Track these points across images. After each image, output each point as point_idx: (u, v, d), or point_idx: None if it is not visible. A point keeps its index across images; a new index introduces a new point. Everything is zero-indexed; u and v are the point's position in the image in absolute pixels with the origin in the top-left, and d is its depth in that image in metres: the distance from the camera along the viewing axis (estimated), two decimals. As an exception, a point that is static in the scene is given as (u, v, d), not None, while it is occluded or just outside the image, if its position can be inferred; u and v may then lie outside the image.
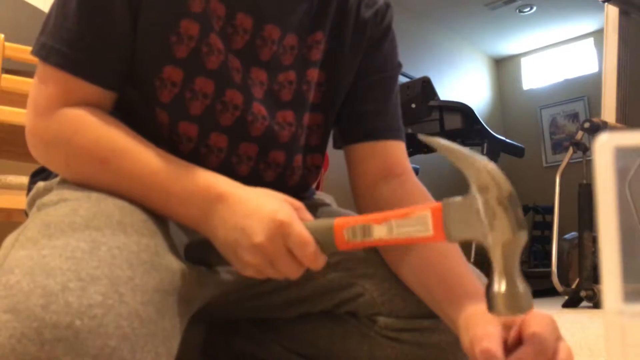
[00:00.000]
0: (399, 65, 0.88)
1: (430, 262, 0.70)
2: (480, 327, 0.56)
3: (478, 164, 0.49)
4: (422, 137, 0.54)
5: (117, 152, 0.64)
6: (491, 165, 0.49)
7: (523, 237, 0.48)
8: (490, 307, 0.49)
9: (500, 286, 0.48)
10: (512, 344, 0.54)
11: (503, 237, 0.48)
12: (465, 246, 3.48)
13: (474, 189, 0.49)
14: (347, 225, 0.57)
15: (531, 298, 0.49)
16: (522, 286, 0.48)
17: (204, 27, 0.70)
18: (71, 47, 0.66)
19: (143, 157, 0.64)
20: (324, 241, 0.58)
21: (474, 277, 0.67)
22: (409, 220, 0.53)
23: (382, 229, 0.55)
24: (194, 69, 0.70)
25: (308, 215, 0.61)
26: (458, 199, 0.51)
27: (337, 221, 0.57)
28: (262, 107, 0.75)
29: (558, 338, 0.54)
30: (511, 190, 0.49)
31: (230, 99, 0.72)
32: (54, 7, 0.68)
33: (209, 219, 0.61)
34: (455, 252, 0.71)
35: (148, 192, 0.63)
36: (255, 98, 0.75)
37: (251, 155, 0.76)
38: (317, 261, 0.58)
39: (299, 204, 0.62)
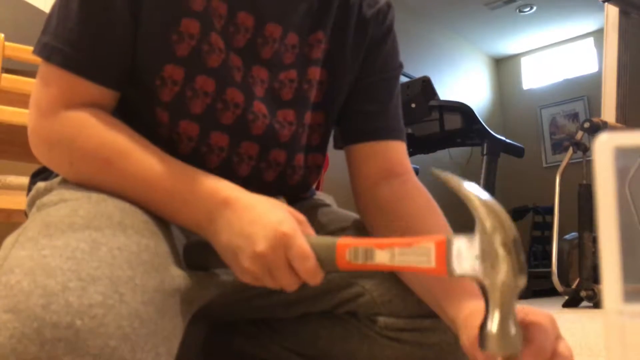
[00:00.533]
0: (400, 66, 0.88)
1: None
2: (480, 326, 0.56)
3: (485, 206, 0.50)
4: (435, 172, 0.54)
5: (121, 154, 0.64)
6: (498, 207, 0.50)
7: (522, 282, 0.49)
8: (482, 345, 0.50)
9: (493, 326, 0.49)
10: None
11: (503, 280, 0.49)
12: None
13: (479, 229, 0.50)
14: (349, 246, 0.57)
15: (521, 338, 0.50)
16: (514, 329, 0.49)
17: (205, 25, 0.70)
18: (73, 47, 0.66)
19: (147, 159, 0.64)
20: (325, 258, 0.58)
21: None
22: (412, 249, 0.54)
23: (384, 255, 0.55)
24: (195, 68, 0.70)
25: (310, 230, 0.61)
26: (462, 236, 0.52)
27: (340, 240, 0.58)
28: (263, 105, 0.75)
29: (558, 337, 0.54)
30: (516, 234, 0.50)
31: (231, 98, 0.72)
32: (55, 7, 0.68)
33: (213, 223, 0.61)
34: None
35: (152, 193, 0.63)
36: (256, 97, 0.75)
37: (252, 154, 0.76)
38: (315, 277, 0.58)
39: (302, 217, 0.62)
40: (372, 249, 0.56)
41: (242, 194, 0.63)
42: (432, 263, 0.53)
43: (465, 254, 0.51)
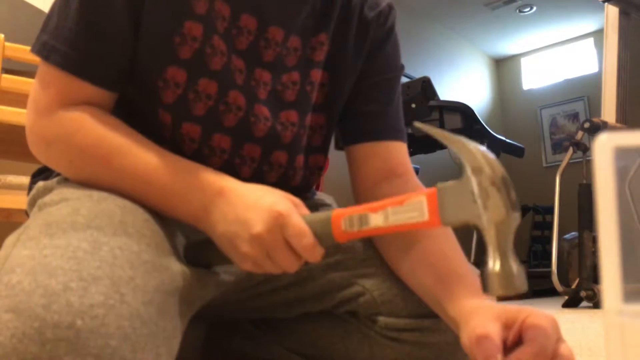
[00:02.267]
0: (402, 67, 0.88)
1: (429, 261, 0.70)
2: (480, 326, 0.56)
3: (471, 147, 0.51)
4: (418, 125, 0.55)
5: (119, 150, 0.64)
6: (483, 149, 0.50)
7: (516, 218, 0.49)
8: (485, 286, 0.50)
9: (494, 266, 0.49)
10: (512, 344, 0.54)
11: (496, 217, 0.49)
12: (466, 245, 3.47)
13: (467, 171, 0.50)
14: (344, 215, 0.57)
15: (525, 278, 0.49)
16: (515, 266, 0.49)
17: (208, 28, 0.70)
18: (72, 47, 0.66)
19: (144, 154, 0.64)
20: (322, 233, 0.58)
21: (473, 275, 0.67)
22: (404, 207, 0.54)
23: (378, 217, 0.55)
24: (198, 70, 0.70)
25: (306, 211, 0.62)
26: (452, 182, 0.52)
27: (334, 212, 0.58)
28: (265, 108, 0.75)
29: (559, 339, 0.54)
30: (504, 172, 0.50)
31: (233, 100, 0.73)
32: (55, 6, 0.68)
33: (209, 214, 0.62)
34: (454, 250, 0.72)
35: (149, 188, 0.64)
36: (258, 99, 0.75)
37: (254, 156, 0.76)
38: (315, 253, 0.59)
39: (297, 200, 0.62)
40: (366, 214, 0.56)
41: (236, 184, 0.63)
42: (425, 216, 0.53)
43: (457, 200, 0.51)
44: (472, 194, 0.50)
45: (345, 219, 0.57)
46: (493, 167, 0.50)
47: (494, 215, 0.49)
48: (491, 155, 0.50)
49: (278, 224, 0.58)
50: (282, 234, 0.58)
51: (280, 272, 0.61)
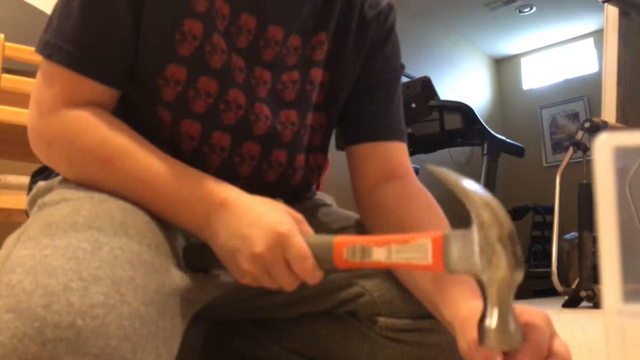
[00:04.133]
0: (402, 67, 0.88)
1: None
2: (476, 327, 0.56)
3: (481, 201, 0.50)
4: (430, 168, 0.54)
5: (121, 153, 0.64)
6: (494, 202, 0.50)
7: (519, 276, 0.49)
8: (481, 340, 0.50)
9: (492, 322, 0.49)
10: None
11: (500, 275, 0.49)
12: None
13: (475, 224, 0.50)
14: (347, 244, 0.57)
15: (521, 335, 0.50)
16: (513, 324, 0.49)
17: (208, 26, 0.70)
18: (75, 45, 0.66)
19: (147, 159, 0.64)
20: (323, 257, 0.58)
21: (471, 279, 0.67)
22: (409, 247, 0.54)
23: (381, 252, 0.55)
24: (198, 68, 0.70)
25: (308, 228, 0.62)
26: (459, 232, 0.52)
27: (337, 239, 0.58)
28: (265, 106, 0.75)
29: (553, 335, 0.54)
30: (512, 228, 0.50)
31: (233, 99, 0.73)
32: (57, 6, 0.68)
33: (211, 224, 0.62)
34: None
35: (151, 194, 0.63)
36: (259, 98, 0.75)
37: (254, 154, 0.76)
38: (314, 276, 0.59)
39: (299, 216, 0.62)
40: (370, 247, 0.56)
41: (240, 196, 0.63)
42: (428, 260, 0.53)
43: (462, 249, 0.51)
44: (478, 248, 0.50)
45: (348, 248, 0.57)
46: (501, 224, 0.49)
47: (497, 273, 0.49)
48: (502, 210, 0.50)
49: (279, 244, 0.57)
50: (283, 255, 0.58)
51: (278, 289, 0.61)
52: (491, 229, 0.49)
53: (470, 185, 0.51)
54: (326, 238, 0.59)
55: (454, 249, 0.52)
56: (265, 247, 0.57)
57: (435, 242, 0.53)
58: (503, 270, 0.49)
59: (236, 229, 0.60)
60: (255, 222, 0.59)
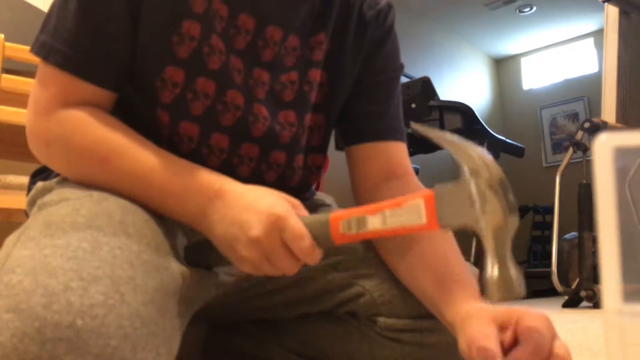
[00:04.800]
0: (401, 67, 0.88)
1: (427, 264, 0.70)
2: (477, 328, 0.56)
3: (469, 150, 0.50)
4: (415, 126, 0.54)
5: (118, 151, 0.64)
6: (482, 151, 0.50)
7: (514, 221, 0.49)
8: (483, 292, 0.49)
9: (492, 271, 0.49)
10: (508, 345, 0.54)
11: (494, 221, 0.48)
12: (465, 245, 3.48)
13: (465, 174, 0.50)
14: (342, 218, 0.57)
15: (523, 282, 0.49)
16: (514, 271, 0.49)
17: (206, 27, 0.70)
18: (71, 48, 0.66)
19: (143, 155, 0.64)
20: (320, 235, 0.58)
21: (471, 278, 0.67)
22: (402, 210, 0.54)
23: (376, 220, 0.55)
24: (196, 70, 0.70)
25: (305, 212, 0.62)
26: (450, 185, 0.52)
27: (332, 215, 0.58)
28: (264, 107, 0.75)
29: (554, 336, 0.54)
30: (502, 174, 0.49)
31: (231, 100, 0.73)
32: (54, 7, 0.68)
33: (207, 215, 0.62)
34: (453, 252, 0.71)
35: (147, 190, 0.64)
36: (257, 99, 0.75)
37: (252, 155, 0.76)
38: (313, 255, 0.59)
39: (296, 201, 0.62)
40: (364, 217, 0.56)
41: (234, 185, 0.63)
42: (423, 219, 0.53)
43: (454, 203, 0.51)
44: (469, 197, 0.49)
45: (343, 222, 0.57)
46: (491, 170, 0.49)
47: (491, 219, 0.48)
48: (489, 157, 0.50)
49: (276, 226, 0.58)
50: (280, 237, 0.58)
51: (279, 275, 0.61)
52: (481, 175, 0.49)
53: (457, 138, 0.51)
54: (322, 216, 0.59)
55: (447, 204, 0.51)
56: (261, 230, 0.57)
57: (427, 201, 0.53)
58: (497, 216, 0.48)
59: (232, 217, 0.60)
60: (250, 207, 0.59)
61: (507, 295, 0.49)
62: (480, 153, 0.50)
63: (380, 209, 0.55)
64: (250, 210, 0.59)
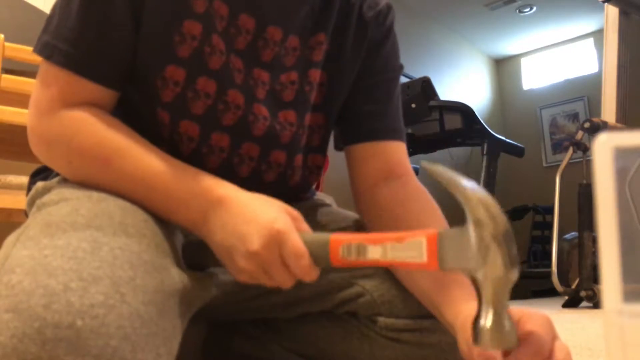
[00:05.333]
0: (401, 67, 0.88)
1: None
2: None
3: (475, 198, 0.50)
4: (426, 165, 0.54)
5: (119, 152, 0.64)
6: (489, 200, 0.50)
7: (514, 274, 0.49)
8: (476, 339, 0.50)
9: (486, 321, 0.49)
10: None
11: (495, 273, 0.48)
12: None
13: (470, 222, 0.50)
14: (342, 242, 0.57)
15: (516, 334, 0.49)
16: (508, 323, 0.49)
17: (207, 27, 0.70)
18: (73, 47, 0.66)
19: (145, 158, 0.64)
20: (319, 255, 0.58)
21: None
22: (404, 245, 0.54)
23: (376, 250, 0.55)
24: (197, 69, 0.70)
25: (305, 226, 0.62)
26: (454, 230, 0.52)
27: (333, 237, 0.58)
28: (264, 107, 0.76)
29: (554, 337, 0.54)
30: (507, 226, 0.49)
31: (231, 99, 0.73)
32: (57, 6, 0.68)
33: (208, 222, 0.62)
34: None
35: (149, 192, 0.63)
36: (257, 99, 0.75)
37: (253, 155, 0.76)
38: (310, 274, 0.59)
39: (297, 214, 0.62)
40: (365, 245, 0.56)
41: (237, 193, 0.63)
42: (423, 258, 0.53)
43: (457, 247, 0.51)
44: (472, 245, 0.49)
45: (343, 246, 0.57)
46: (496, 222, 0.49)
47: (492, 271, 0.48)
48: (497, 208, 0.49)
49: (276, 242, 0.57)
50: (279, 252, 0.58)
51: (275, 286, 0.61)
52: (486, 226, 0.49)
53: (466, 183, 0.51)
54: (322, 236, 0.59)
55: (449, 247, 0.51)
56: (261, 244, 0.57)
57: (430, 240, 0.53)
58: (498, 269, 0.48)
59: (232, 227, 0.60)
60: (252, 220, 0.59)
61: (498, 346, 0.49)
62: (488, 202, 0.49)
63: (383, 240, 0.55)
64: (252, 222, 0.59)
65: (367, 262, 0.56)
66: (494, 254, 0.48)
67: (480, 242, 0.49)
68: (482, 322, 0.49)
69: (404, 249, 0.54)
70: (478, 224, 0.49)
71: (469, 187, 0.51)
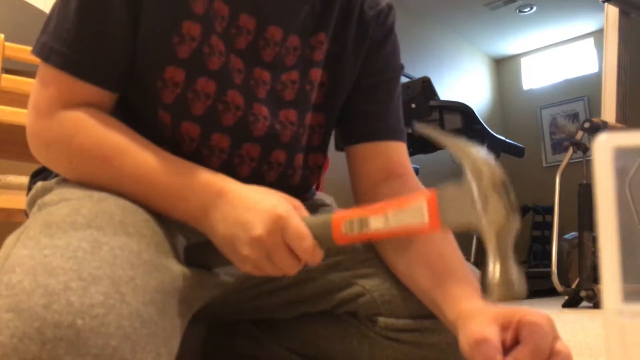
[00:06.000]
0: (401, 67, 0.88)
1: (426, 261, 0.70)
2: (478, 328, 0.56)
3: (471, 150, 0.51)
4: (418, 126, 0.55)
5: (119, 151, 0.64)
6: (484, 153, 0.50)
7: (516, 221, 0.50)
8: (486, 292, 0.50)
9: (494, 271, 0.49)
10: (510, 344, 0.54)
11: (496, 221, 0.49)
12: (465, 245, 3.48)
13: (467, 175, 0.50)
14: (344, 219, 0.57)
15: (524, 282, 0.50)
16: (515, 271, 0.49)
17: (206, 28, 0.70)
18: (71, 48, 0.66)
19: (144, 155, 0.64)
20: (322, 235, 0.58)
21: (472, 277, 0.67)
22: (404, 210, 0.54)
23: (378, 220, 0.55)
24: (196, 70, 0.70)
25: (306, 213, 0.62)
26: (452, 185, 0.52)
27: (334, 215, 0.58)
28: (264, 107, 0.76)
29: (555, 337, 0.54)
30: (503, 175, 0.50)
31: (232, 100, 0.73)
32: (55, 8, 0.68)
33: (208, 215, 0.62)
34: (452, 250, 0.71)
35: (149, 189, 0.64)
36: (257, 99, 0.75)
37: (253, 155, 0.76)
38: (315, 256, 0.59)
39: (297, 202, 0.62)
40: (366, 217, 0.56)
41: (235, 185, 0.63)
42: (425, 220, 0.53)
43: (456, 203, 0.51)
44: (471, 198, 0.50)
45: (345, 222, 0.57)
46: (493, 171, 0.50)
47: (493, 219, 0.49)
48: (491, 159, 0.50)
49: (278, 226, 0.58)
50: (282, 237, 0.58)
51: (280, 275, 0.61)
52: (482, 177, 0.50)
53: (460, 140, 0.52)
54: (324, 217, 0.59)
55: (449, 204, 0.52)
56: (263, 230, 0.57)
57: (430, 202, 0.53)
58: (499, 216, 0.49)
59: (234, 216, 0.60)
60: (252, 207, 0.59)
61: (508, 294, 0.49)
62: (482, 154, 0.50)
63: (383, 209, 0.55)
64: (253, 210, 0.59)
65: (371, 233, 0.56)
66: (494, 202, 0.49)
67: (479, 193, 0.50)
68: (489, 272, 0.50)
69: (405, 214, 0.54)
70: (475, 175, 0.50)
71: (463, 142, 0.52)
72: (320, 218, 0.59)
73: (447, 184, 0.53)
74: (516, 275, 0.49)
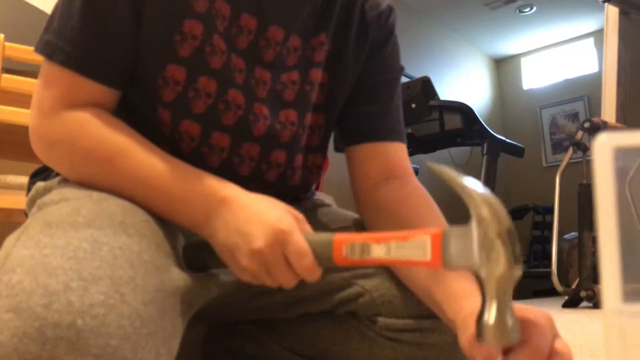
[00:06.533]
0: (401, 69, 0.89)
1: None
2: None
3: (480, 197, 0.50)
4: (431, 165, 0.54)
5: (122, 153, 0.64)
6: (493, 199, 0.50)
7: (518, 272, 0.49)
8: (479, 335, 0.50)
9: (490, 318, 0.49)
10: None
11: (498, 271, 0.49)
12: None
13: (474, 220, 0.50)
14: (346, 242, 0.57)
15: (519, 331, 0.50)
16: (511, 320, 0.49)
17: (208, 27, 0.70)
18: (75, 46, 0.66)
19: (148, 158, 0.64)
20: (322, 255, 0.58)
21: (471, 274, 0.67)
22: (408, 244, 0.54)
23: (380, 249, 0.55)
24: (197, 68, 0.70)
25: (308, 228, 0.62)
26: (458, 228, 0.52)
27: (336, 236, 0.58)
28: (264, 107, 0.76)
29: (555, 335, 0.54)
30: (510, 224, 0.50)
31: (232, 99, 0.73)
32: (58, 6, 0.69)
33: (210, 221, 0.62)
34: None
35: (151, 192, 0.63)
36: (258, 98, 0.75)
37: (253, 155, 0.76)
38: (313, 273, 0.59)
39: (300, 216, 0.62)
40: (369, 244, 0.56)
41: (239, 193, 0.63)
42: (427, 256, 0.53)
43: (461, 246, 0.51)
44: (475, 243, 0.50)
45: (347, 245, 0.57)
46: (500, 219, 0.49)
47: (495, 269, 0.49)
48: (499, 205, 0.50)
49: (279, 241, 0.58)
50: (282, 251, 0.58)
51: (277, 286, 0.61)
52: (490, 224, 0.49)
53: (470, 182, 0.52)
54: (325, 236, 0.59)
55: (453, 245, 0.52)
56: (264, 243, 0.57)
57: (434, 239, 0.53)
58: (502, 266, 0.49)
59: (236, 226, 0.60)
60: (255, 219, 0.59)
61: (501, 342, 0.49)
62: (492, 201, 0.50)
63: (386, 239, 0.55)
64: (256, 221, 0.59)
65: (371, 261, 0.56)
66: (498, 251, 0.49)
67: (484, 240, 0.49)
68: (485, 318, 0.49)
69: (408, 247, 0.54)
70: (482, 221, 0.49)
71: (474, 186, 0.51)
72: (322, 236, 0.59)
73: (454, 226, 0.53)
74: (512, 323, 0.49)
